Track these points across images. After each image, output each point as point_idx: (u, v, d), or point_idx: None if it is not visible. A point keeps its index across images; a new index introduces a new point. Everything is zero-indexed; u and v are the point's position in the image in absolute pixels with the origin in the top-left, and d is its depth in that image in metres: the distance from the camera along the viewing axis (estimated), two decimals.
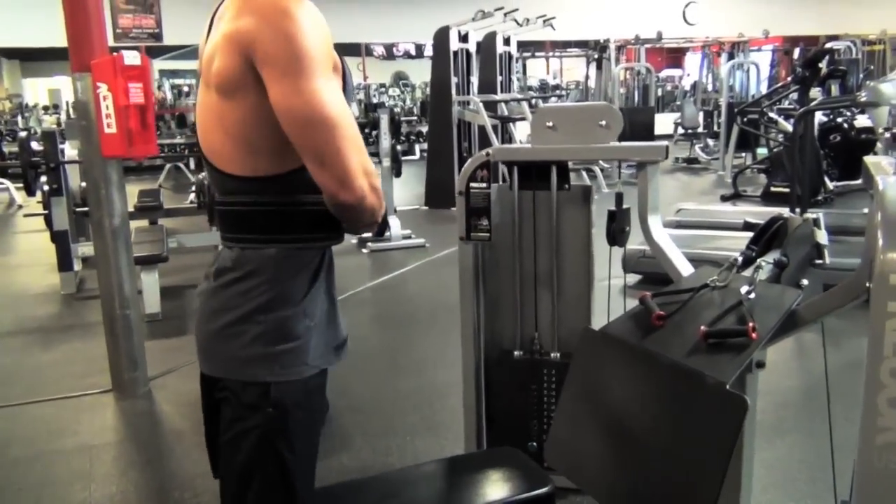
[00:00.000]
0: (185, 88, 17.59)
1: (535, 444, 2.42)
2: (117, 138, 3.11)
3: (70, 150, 5.85)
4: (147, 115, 3.19)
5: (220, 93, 1.23)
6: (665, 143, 2.17)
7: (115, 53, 3.09)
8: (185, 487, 2.62)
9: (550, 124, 2.20)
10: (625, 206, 2.23)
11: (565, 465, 2.05)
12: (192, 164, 12.03)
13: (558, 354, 2.38)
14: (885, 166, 1.33)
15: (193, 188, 7.91)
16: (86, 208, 5.80)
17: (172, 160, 11.62)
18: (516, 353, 2.42)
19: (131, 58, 3.12)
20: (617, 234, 2.21)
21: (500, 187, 2.35)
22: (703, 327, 1.78)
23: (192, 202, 7.88)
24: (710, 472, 1.63)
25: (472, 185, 2.28)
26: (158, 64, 19.19)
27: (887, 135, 1.20)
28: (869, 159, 1.49)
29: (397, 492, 1.74)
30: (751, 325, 1.71)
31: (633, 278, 4.41)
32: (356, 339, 4.67)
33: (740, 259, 1.94)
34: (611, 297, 2.30)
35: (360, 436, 2.95)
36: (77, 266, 5.52)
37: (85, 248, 5.53)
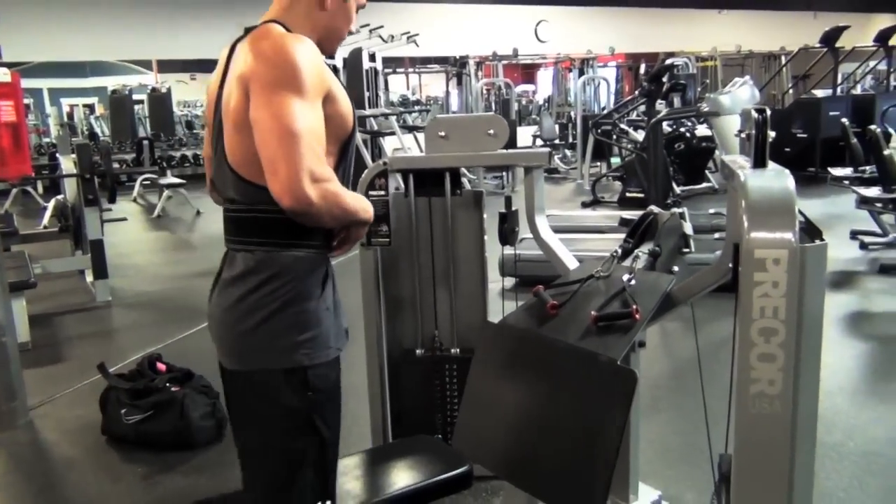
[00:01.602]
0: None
1: (439, 436, 2.56)
2: None
3: None
4: (20, 134, 3.08)
5: (236, 127, 1.40)
6: (548, 149, 2.38)
7: None
8: None
9: (443, 134, 2.35)
10: (513, 209, 2.42)
11: (473, 450, 2.21)
12: (39, 188, 11.35)
13: (458, 350, 2.54)
14: (742, 163, 1.57)
15: (50, 212, 7.51)
16: None
17: (20, 184, 10.88)
18: (418, 351, 2.55)
19: (0, 75, 3.01)
20: (508, 235, 2.39)
21: (397, 195, 2.48)
22: (592, 312, 1.98)
23: (45, 227, 7.48)
24: (607, 441, 1.83)
25: (371, 193, 2.39)
26: None
27: (743, 135, 1.40)
28: (726, 158, 1.73)
29: None
30: (634, 307, 1.93)
31: (510, 281, 4.65)
32: None
33: (620, 251, 2.17)
34: (496, 296, 2.48)
35: None
36: None
37: None
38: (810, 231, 1.47)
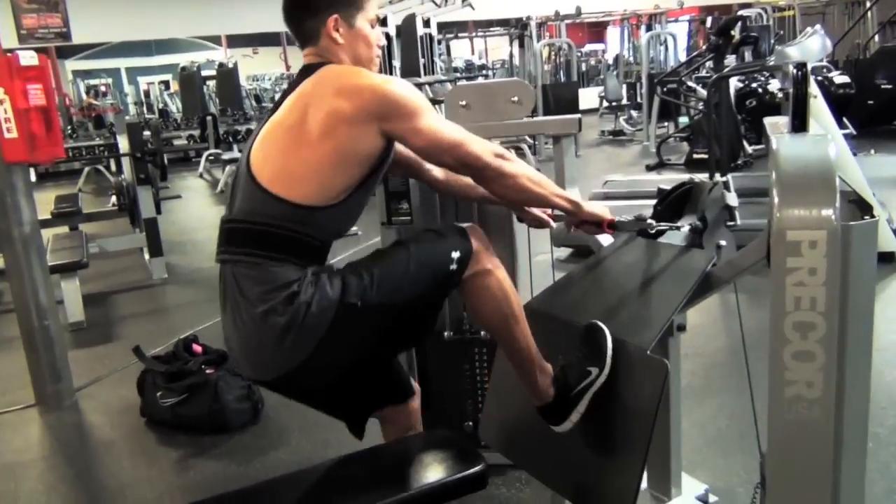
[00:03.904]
0: (103, 88, 16.98)
1: (470, 423, 2.43)
2: (19, 143, 2.97)
3: None
4: (51, 118, 3.06)
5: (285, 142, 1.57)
6: (578, 116, 2.18)
7: (10, 54, 2.95)
8: (116, 499, 2.54)
9: (464, 103, 2.19)
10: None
11: (499, 441, 2.07)
12: (112, 166, 11.65)
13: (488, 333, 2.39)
14: (780, 126, 1.36)
15: (113, 190, 7.66)
16: None
17: (91, 163, 11.19)
18: (446, 333, 2.42)
19: (28, 58, 2.98)
20: None
21: None
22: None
23: (113, 205, 7.63)
24: (637, 435, 1.66)
25: None
26: (71, 64, 18.44)
27: (781, 95, 1.24)
28: (768, 120, 1.52)
29: (333, 480, 1.72)
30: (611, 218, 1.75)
31: (564, 252, 4.46)
32: None
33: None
34: (546, 268, 2.30)
35: (296, 430, 2.91)
36: None
37: None
38: (860, 206, 1.25)
